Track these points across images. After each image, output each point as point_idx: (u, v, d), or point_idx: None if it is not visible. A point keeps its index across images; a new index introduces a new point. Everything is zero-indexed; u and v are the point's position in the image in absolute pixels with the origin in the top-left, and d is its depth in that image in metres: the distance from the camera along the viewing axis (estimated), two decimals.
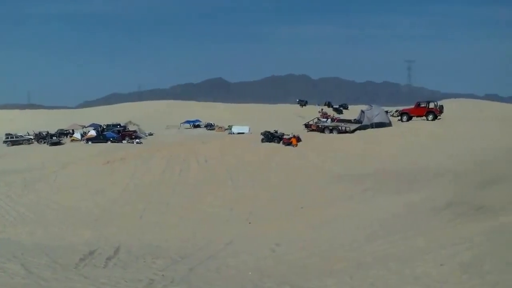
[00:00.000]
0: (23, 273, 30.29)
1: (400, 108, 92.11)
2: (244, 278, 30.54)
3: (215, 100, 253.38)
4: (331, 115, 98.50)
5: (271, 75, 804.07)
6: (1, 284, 27.62)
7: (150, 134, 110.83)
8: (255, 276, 30.89)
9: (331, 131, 70.06)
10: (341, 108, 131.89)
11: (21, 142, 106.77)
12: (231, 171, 56.49)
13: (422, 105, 74.39)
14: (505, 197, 40.63)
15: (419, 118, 72.07)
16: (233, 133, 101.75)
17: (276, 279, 30.41)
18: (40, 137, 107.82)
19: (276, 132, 69.60)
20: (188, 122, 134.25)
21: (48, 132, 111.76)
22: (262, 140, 67.49)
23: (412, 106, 76.54)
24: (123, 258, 35.17)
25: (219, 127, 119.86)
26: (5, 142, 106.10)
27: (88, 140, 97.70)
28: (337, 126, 71.22)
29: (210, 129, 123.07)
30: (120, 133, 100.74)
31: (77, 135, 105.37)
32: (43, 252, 35.84)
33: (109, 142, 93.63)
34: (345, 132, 68.80)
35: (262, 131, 70.54)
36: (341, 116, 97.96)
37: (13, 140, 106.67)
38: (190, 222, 44.34)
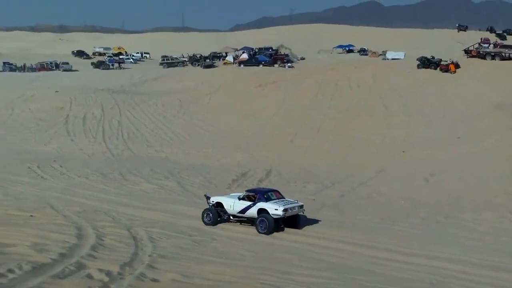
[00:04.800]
0: (179, 190, 31.45)
1: None
2: (396, 206, 29.79)
3: (368, 24, 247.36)
4: (494, 41, 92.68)
5: None
6: (159, 199, 28.83)
7: (302, 58, 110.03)
8: (408, 205, 30.03)
9: (493, 57, 65.91)
10: (505, 34, 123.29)
11: (176, 64, 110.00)
12: (384, 97, 54.90)
13: None
14: None
15: None
16: (387, 59, 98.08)
17: (430, 209, 29.41)
18: (194, 60, 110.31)
19: (433, 58, 66.51)
20: (340, 46, 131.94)
21: (201, 55, 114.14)
22: (418, 66, 64.95)
23: None
24: (274, 181, 35.49)
25: (373, 53, 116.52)
26: (161, 64, 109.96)
27: (240, 63, 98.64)
28: (500, 52, 66.85)
29: (363, 54, 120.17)
30: (272, 57, 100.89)
31: (229, 58, 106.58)
32: (198, 172, 37.05)
33: (261, 66, 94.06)
34: (509, 58, 64.42)
35: (418, 56, 67.64)
36: (505, 43, 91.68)
37: (169, 62, 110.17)
38: (341, 148, 43.87)
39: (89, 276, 14.95)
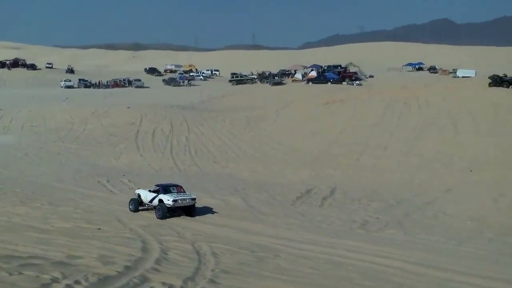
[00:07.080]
0: (244, 207, 31.77)
1: None
2: (462, 227, 29.29)
3: (440, 42, 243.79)
4: None
5: (503, 16, 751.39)
6: (224, 215, 29.22)
7: (371, 76, 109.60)
8: (475, 226, 29.49)
9: None
10: None
11: (245, 81, 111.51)
12: (453, 115, 53.90)
13: None
14: None
15: None
16: (458, 77, 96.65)
17: (497, 231, 28.82)
18: (263, 77, 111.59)
19: (505, 76, 65.00)
20: (410, 64, 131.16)
21: (270, 72, 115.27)
22: (490, 85, 63.51)
23: None
24: (338, 199, 35.46)
25: (443, 71, 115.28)
26: (230, 81, 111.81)
27: (308, 80, 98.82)
28: None
29: (433, 72, 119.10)
30: (340, 74, 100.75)
31: (298, 75, 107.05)
32: (263, 189, 37.30)
33: (329, 83, 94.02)
34: None
35: (490, 75, 66.16)
36: None
37: (238, 80, 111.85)
38: (408, 166, 43.36)
39: None
